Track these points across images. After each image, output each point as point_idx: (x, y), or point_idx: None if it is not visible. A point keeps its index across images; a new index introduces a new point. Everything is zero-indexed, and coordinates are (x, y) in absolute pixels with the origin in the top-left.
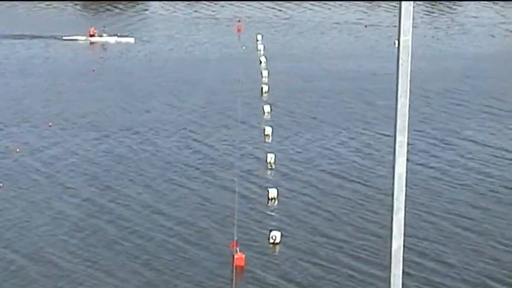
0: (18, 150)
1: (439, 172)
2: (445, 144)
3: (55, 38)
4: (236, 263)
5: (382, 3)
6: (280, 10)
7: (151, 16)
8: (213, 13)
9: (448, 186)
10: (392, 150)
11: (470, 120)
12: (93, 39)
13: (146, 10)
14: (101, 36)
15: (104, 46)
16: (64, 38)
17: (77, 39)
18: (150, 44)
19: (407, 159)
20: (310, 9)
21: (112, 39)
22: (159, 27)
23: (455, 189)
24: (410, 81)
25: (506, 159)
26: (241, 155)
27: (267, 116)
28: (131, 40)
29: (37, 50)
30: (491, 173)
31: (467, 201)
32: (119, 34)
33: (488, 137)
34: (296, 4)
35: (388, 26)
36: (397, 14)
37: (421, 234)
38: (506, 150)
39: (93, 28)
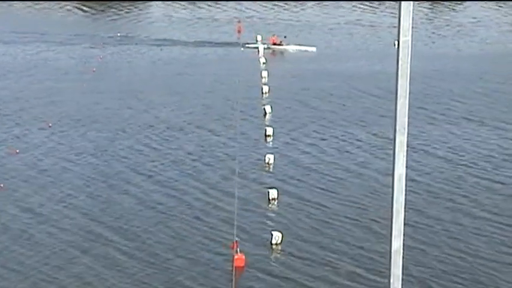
0: (18, 151)
1: (382, 174)
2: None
3: (237, 45)
4: (236, 263)
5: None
6: (280, 11)
7: (153, 17)
8: (212, 13)
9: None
10: (391, 150)
11: (426, 123)
12: (275, 47)
13: (146, 11)
14: (282, 44)
15: (284, 54)
16: (246, 45)
17: (258, 47)
18: (332, 52)
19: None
20: (310, 9)
21: (294, 48)
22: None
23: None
24: (384, 82)
25: (458, 164)
26: (242, 155)
27: (267, 117)
28: (313, 49)
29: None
30: (438, 177)
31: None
32: (300, 43)
33: (439, 138)
34: (296, 4)
35: (389, 27)
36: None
37: (361, 242)
38: (457, 154)
39: (274, 36)
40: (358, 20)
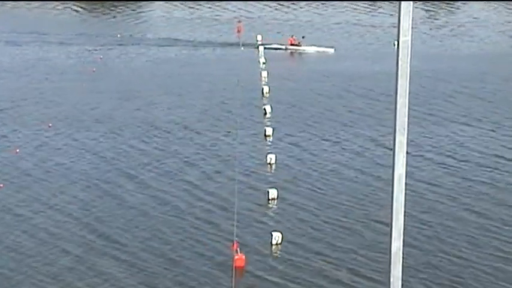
0: (18, 150)
1: (383, 175)
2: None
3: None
4: (236, 264)
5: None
6: (280, 10)
7: (153, 17)
8: (212, 13)
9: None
10: (391, 150)
11: (419, 123)
12: (292, 48)
13: (150, 11)
14: (300, 45)
15: (302, 55)
16: (266, 47)
17: (276, 48)
18: (350, 54)
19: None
20: (310, 9)
21: (312, 49)
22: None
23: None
24: (386, 82)
25: (450, 165)
26: (242, 155)
27: (267, 117)
28: (331, 50)
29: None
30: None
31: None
32: (318, 44)
33: (432, 139)
34: (297, 4)
35: (388, 27)
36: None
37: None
38: (450, 155)
39: (293, 37)
40: (365, 20)
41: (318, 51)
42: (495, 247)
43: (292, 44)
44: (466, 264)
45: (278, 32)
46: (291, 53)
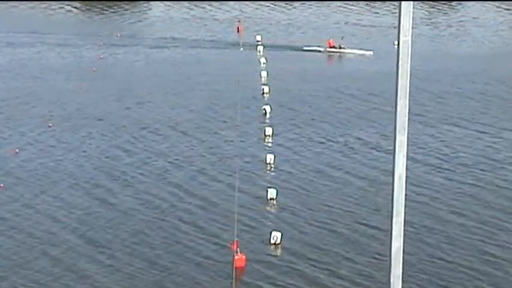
0: (17, 150)
1: (382, 174)
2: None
3: (295, 49)
4: (236, 263)
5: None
6: (280, 10)
7: (153, 17)
8: (212, 13)
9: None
10: (392, 150)
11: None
12: (332, 50)
13: (149, 10)
14: (340, 48)
15: (341, 58)
16: (304, 48)
17: (316, 50)
18: (390, 57)
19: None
20: (310, 9)
21: (351, 52)
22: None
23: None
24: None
25: (439, 166)
26: (241, 155)
27: (267, 117)
28: (370, 53)
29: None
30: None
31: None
32: (358, 47)
33: (422, 140)
34: (296, 4)
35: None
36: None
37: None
38: (439, 156)
39: (332, 39)
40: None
41: (356, 54)
42: (480, 249)
43: (331, 47)
44: (452, 267)
45: (277, 32)
46: (329, 55)
